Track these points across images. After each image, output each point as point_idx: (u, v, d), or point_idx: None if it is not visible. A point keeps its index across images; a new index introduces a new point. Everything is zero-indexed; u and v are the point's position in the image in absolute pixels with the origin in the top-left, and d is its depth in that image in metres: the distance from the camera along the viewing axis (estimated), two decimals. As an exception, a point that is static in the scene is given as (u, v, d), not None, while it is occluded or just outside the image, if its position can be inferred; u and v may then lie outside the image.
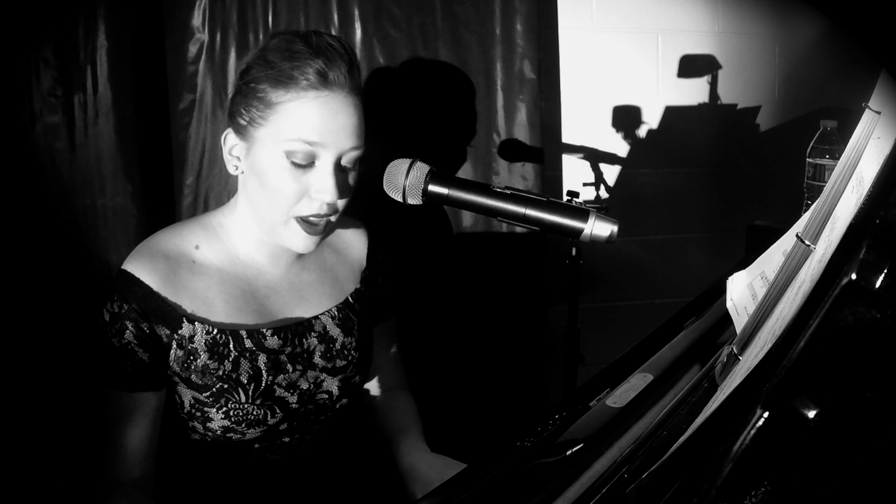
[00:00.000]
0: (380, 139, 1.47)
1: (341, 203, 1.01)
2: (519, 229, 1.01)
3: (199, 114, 1.39)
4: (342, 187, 0.99)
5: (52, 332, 1.24)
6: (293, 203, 0.97)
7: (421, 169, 1.00)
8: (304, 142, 0.95)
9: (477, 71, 1.53)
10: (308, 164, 0.96)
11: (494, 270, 1.59)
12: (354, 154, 0.99)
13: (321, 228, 1.00)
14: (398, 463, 1.12)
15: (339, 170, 0.98)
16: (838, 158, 0.74)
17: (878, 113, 0.66)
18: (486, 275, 1.59)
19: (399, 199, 1.02)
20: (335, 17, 1.44)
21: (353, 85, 0.98)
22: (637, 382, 0.88)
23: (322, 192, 0.97)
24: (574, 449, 0.75)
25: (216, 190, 1.42)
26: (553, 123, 1.79)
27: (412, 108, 1.50)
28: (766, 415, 0.51)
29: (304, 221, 0.98)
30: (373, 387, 1.27)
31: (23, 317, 1.22)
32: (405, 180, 1.00)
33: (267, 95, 0.96)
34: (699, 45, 1.87)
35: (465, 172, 1.55)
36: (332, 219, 1.01)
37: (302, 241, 1.00)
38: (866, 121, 0.69)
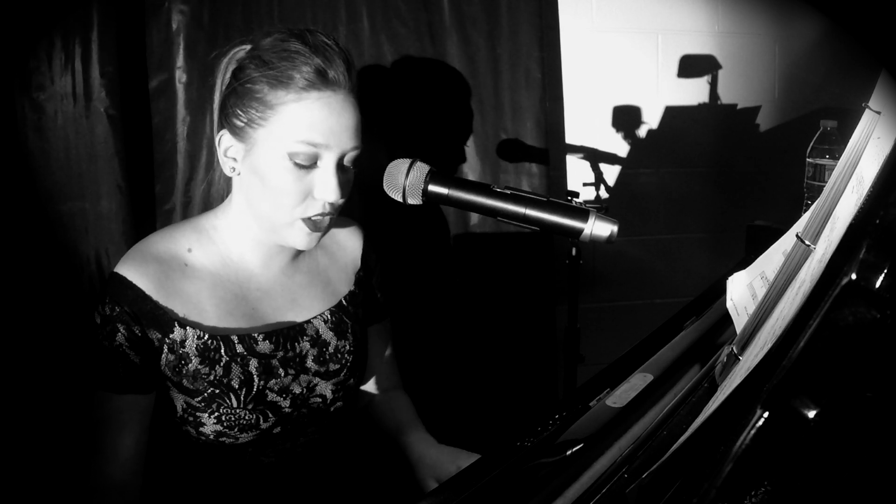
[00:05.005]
0: (382, 139, 1.48)
1: (342, 200, 1.01)
2: (525, 229, 1.00)
3: (200, 118, 1.38)
4: (344, 187, 0.99)
5: (41, 335, 1.23)
6: (297, 203, 0.97)
7: (421, 169, 1.00)
8: (307, 143, 0.94)
9: (485, 69, 1.52)
10: (311, 164, 0.96)
11: (502, 270, 1.59)
12: (355, 153, 1.00)
13: (324, 225, 1.00)
14: (408, 453, 1.12)
15: (341, 170, 0.99)
16: (838, 158, 0.74)
17: (878, 113, 0.66)
18: (493, 274, 1.59)
19: (399, 199, 1.02)
20: (343, 13, 1.43)
21: (351, 84, 0.98)
22: (637, 382, 0.88)
23: (325, 193, 0.97)
24: (574, 449, 0.75)
25: (203, 195, 1.36)
26: (556, 123, 1.79)
27: (416, 107, 1.50)
28: (766, 415, 0.51)
29: (309, 220, 0.99)
30: (369, 388, 1.26)
31: (11, 319, 1.21)
32: (405, 180, 1.00)
33: (266, 96, 0.95)
34: (699, 45, 1.87)
35: (473, 171, 1.55)
36: (334, 216, 1.01)
37: (305, 237, 1.00)
38: (866, 121, 0.69)
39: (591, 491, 0.68)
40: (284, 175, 0.95)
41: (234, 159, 1.00)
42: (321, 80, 0.94)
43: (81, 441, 1.00)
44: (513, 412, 1.60)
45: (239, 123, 0.98)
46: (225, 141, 1.00)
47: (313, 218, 0.98)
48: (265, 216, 1.00)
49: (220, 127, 1.01)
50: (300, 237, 1.00)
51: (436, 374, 1.53)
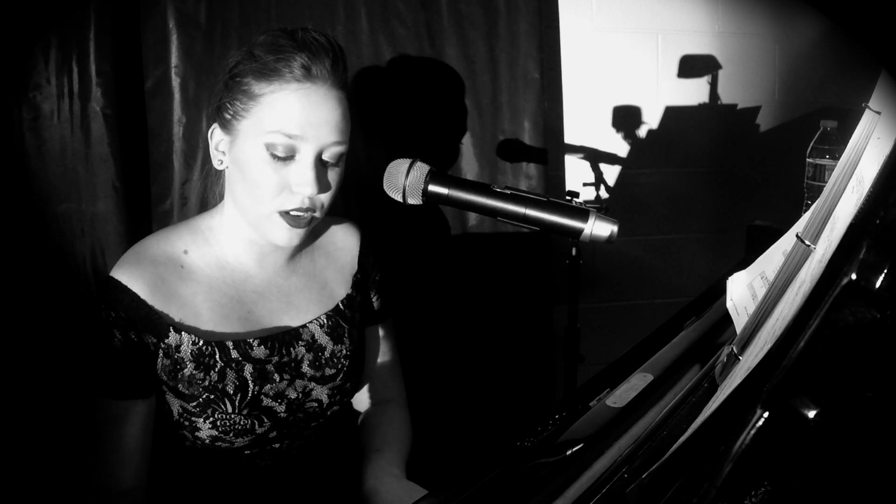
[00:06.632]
0: (380, 139, 1.48)
1: (324, 198, 0.99)
2: (524, 229, 1.00)
3: (197, 117, 1.37)
4: (323, 182, 0.98)
5: (38, 337, 1.22)
6: (274, 196, 0.96)
7: (421, 169, 1.00)
8: (284, 134, 0.94)
9: (482, 70, 1.52)
10: (288, 156, 0.95)
11: (499, 270, 1.59)
12: (337, 150, 0.98)
13: (305, 222, 0.99)
14: (362, 484, 1.05)
15: (321, 164, 0.98)
16: (838, 158, 0.74)
17: (878, 113, 0.66)
18: (490, 274, 1.59)
19: (399, 199, 1.02)
20: (341, 12, 1.43)
21: (336, 79, 0.98)
22: (637, 382, 0.88)
23: (302, 186, 0.96)
24: (574, 449, 0.75)
25: (199, 195, 1.35)
26: (555, 123, 1.79)
27: (414, 107, 1.50)
28: (766, 415, 0.51)
29: (287, 215, 0.98)
30: (364, 396, 1.22)
31: (7, 321, 1.20)
32: (405, 180, 1.00)
33: (251, 88, 0.96)
34: (699, 45, 1.87)
35: (471, 172, 1.54)
36: (317, 214, 1.00)
37: (285, 233, 0.99)
38: (866, 121, 0.69)
39: (591, 491, 0.68)
40: (262, 166, 0.95)
41: (223, 153, 1.01)
42: (304, 73, 0.95)
43: (84, 445, 0.99)
44: (510, 412, 1.59)
45: (227, 116, 0.99)
46: (216, 135, 1.01)
47: (291, 212, 0.97)
48: (246, 209, 1.00)
49: (212, 121, 1.02)
50: (280, 232, 0.99)
51: (433, 373, 1.53)
